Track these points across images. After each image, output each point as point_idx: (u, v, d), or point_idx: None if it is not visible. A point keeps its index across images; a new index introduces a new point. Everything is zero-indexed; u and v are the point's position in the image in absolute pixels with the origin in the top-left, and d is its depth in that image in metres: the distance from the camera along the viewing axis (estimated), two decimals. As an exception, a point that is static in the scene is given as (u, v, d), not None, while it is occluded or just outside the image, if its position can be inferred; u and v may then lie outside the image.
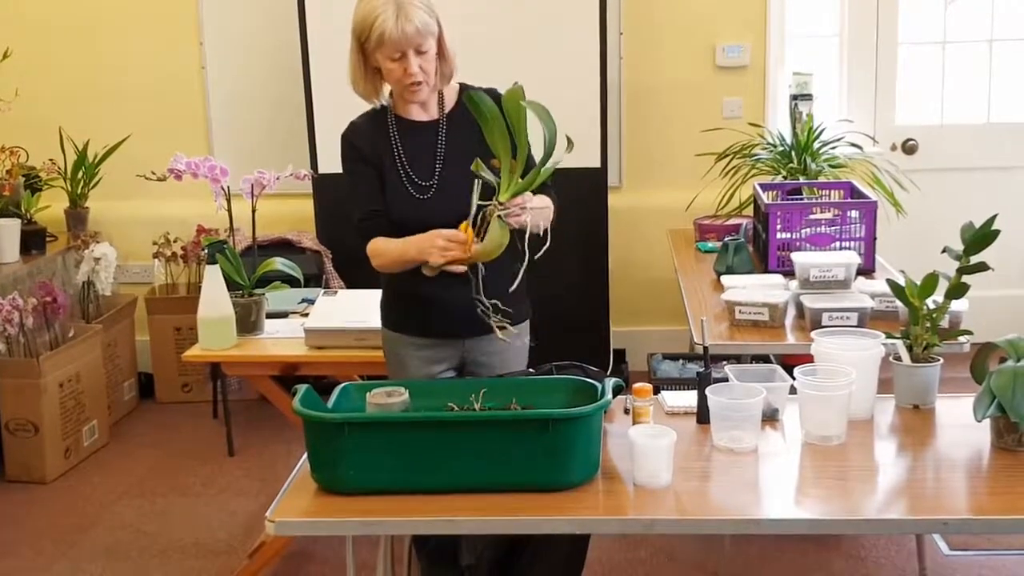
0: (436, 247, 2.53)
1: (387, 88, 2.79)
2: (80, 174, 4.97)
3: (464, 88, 2.81)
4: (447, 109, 2.78)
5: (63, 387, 4.29)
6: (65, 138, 4.98)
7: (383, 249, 2.73)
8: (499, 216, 2.47)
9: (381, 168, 2.75)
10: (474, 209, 2.50)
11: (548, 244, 2.51)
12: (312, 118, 4.69)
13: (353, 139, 2.79)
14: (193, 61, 5.16)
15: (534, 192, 2.55)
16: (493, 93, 2.77)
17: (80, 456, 4.40)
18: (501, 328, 2.56)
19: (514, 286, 2.56)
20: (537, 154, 2.53)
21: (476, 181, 2.48)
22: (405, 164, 2.74)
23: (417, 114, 2.78)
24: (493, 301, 2.56)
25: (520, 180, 2.49)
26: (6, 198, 4.61)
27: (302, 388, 2.27)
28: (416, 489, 2.16)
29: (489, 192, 2.50)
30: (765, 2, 5.04)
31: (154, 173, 3.45)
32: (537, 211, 2.55)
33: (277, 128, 5.07)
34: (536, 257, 2.51)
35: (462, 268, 2.54)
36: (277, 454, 4.36)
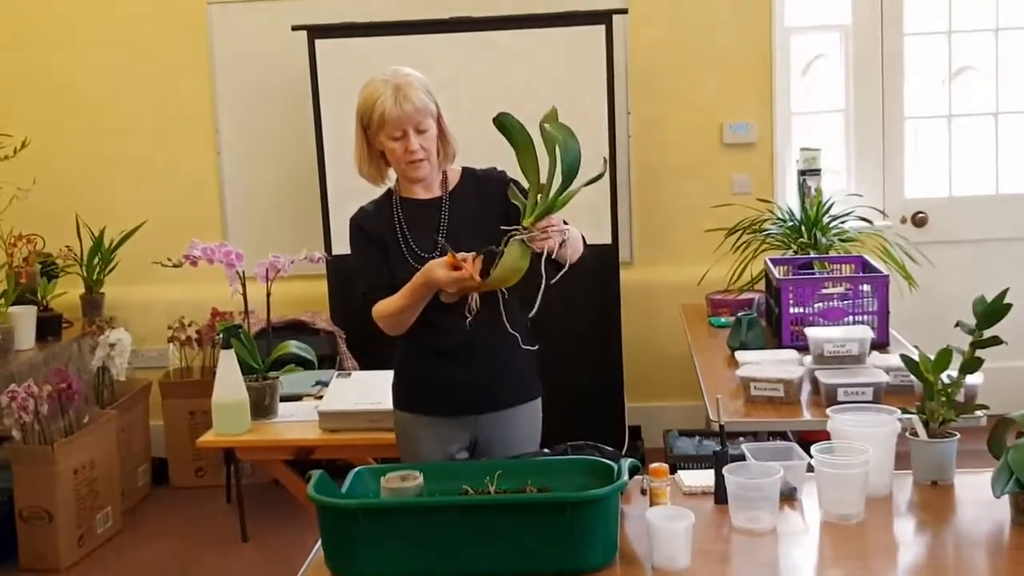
0: (444, 279, 2.56)
1: (393, 174, 2.83)
2: (96, 260, 5.03)
3: (467, 171, 2.85)
4: (450, 188, 2.83)
5: (77, 474, 4.28)
6: (81, 225, 5.04)
7: (387, 307, 2.74)
8: (521, 240, 2.43)
9: (385, 245, 2.78)
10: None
11: (566, 268, 2.50)
12: (326, 200, 4.75)
13: (360, 221, 2.84)
14: (208, 147, 5.23)
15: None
16: (494, 172, 2.82)
17: (94, 543, 4.37)
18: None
19: (533, 311, 2.54)
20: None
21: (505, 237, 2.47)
22: (408, 237, 2.77)
23: (421, 193, 2.82)
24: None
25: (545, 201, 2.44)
26: (23, 286, 4.65)
27: (316, 473, 2.26)
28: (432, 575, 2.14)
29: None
30: (770, 80, 5.11)
31: (170, 259, 3.49)
32: (570, 238, 2.55)
33: (291, 210, 5.13)
34: (552, 282, 2.45)
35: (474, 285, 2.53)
36: (291, 540, 4.33)
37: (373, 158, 2.79)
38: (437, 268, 2.58)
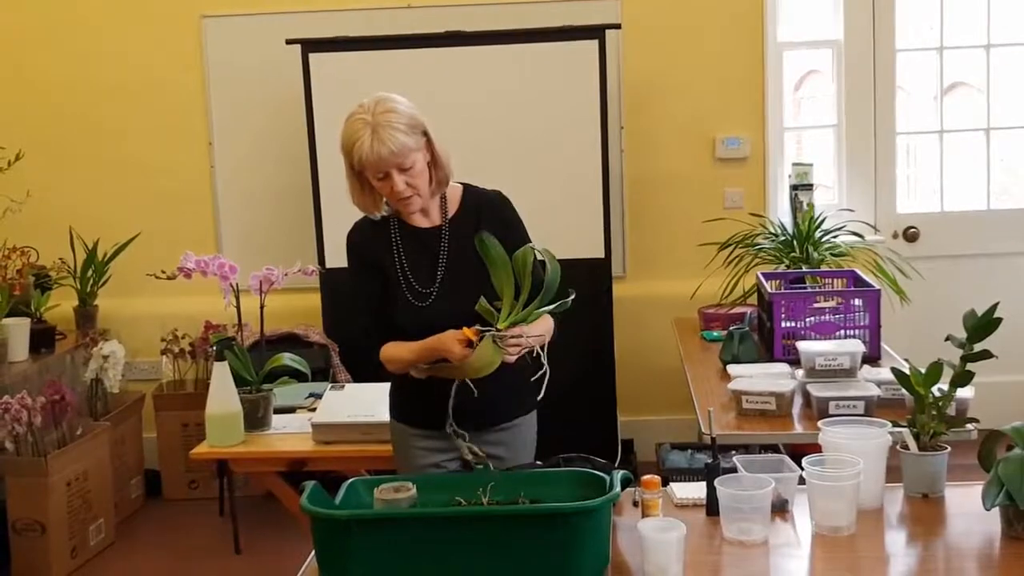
0: (458, 356, 2.58)
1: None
2: (90, 272, 5.03)
3: (467, 189, 2.83)
4: (450, 214, 2.79)
5: (70, 486, 4.27)
6: (75, 237, 5.05)
7: (395, 357, 2.75)
8: (494, 340, 2.51)
9: (383, 270, 2.77)
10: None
11: (547, 375, 2.57)
12: (320, 213, 4.76)
13: (357, 243, 2.81)
14: (202, 160, 5.25)
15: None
16: (494, 197, 2.81)
17: (87, 555, 4.37)
18: (474, 456, 2.69)
19: (540, 396, 2.63)
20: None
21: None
22: (406, 271, 2.75)
23: (420, 220, 2.78)
24: (464, 437, 2.71)
25: (520, 312, 2.54)
26: (16, 298, 4.65)
27: (309, 485, 2.26)
28: (425, 586, 2.14)
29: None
30: (762, 95, 5.13)
31: (164, 272, 3.49)
32: (535, 338, 2.60)
33: (284, 224, 5.14)
34: (532, 380, 2.58)
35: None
36: (285, 552, 4.32)
37: (365, 188, 2.72)
38: (454, 344, 2.57)
